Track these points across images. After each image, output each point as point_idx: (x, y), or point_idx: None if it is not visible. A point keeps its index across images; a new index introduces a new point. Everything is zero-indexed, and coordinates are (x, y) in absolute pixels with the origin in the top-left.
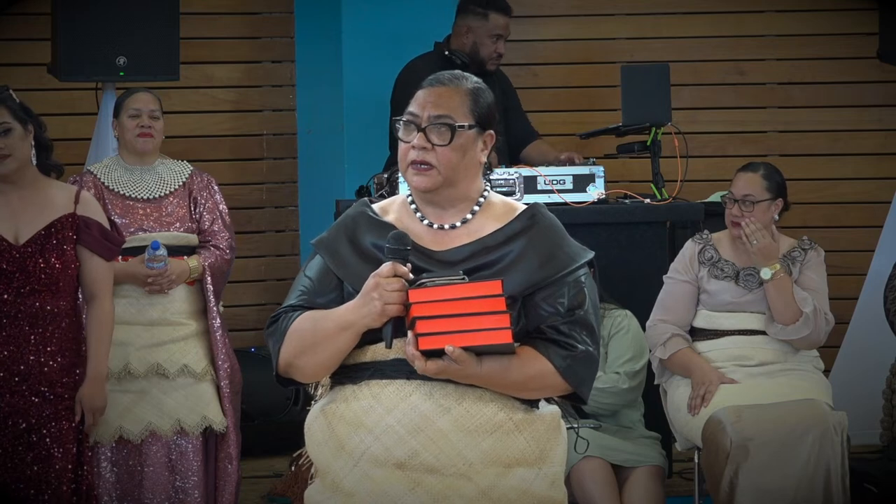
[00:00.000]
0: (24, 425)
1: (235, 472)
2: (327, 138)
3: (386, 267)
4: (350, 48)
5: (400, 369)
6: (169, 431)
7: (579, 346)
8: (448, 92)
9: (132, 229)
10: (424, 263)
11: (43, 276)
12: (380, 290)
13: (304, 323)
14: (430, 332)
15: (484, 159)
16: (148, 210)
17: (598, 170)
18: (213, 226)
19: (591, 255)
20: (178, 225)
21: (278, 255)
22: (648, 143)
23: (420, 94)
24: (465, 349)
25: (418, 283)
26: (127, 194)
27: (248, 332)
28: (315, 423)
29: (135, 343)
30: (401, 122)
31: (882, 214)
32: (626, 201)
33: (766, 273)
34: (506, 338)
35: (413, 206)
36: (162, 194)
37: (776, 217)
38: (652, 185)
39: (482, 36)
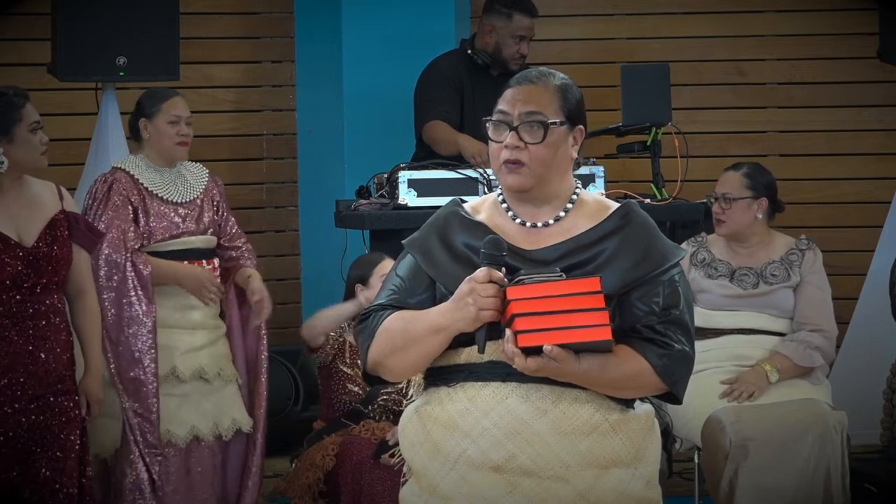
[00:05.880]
0: (40, 427)
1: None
2: (327, 138)
3: (481, 272)
4: (350, 48)
5: (495, 371)
6: (208, 434)
7: (675, 345)
8: (537, 90)
9: (174, 231)
10: (517, 262)
11: (52, 273)
12: (474, 295)
13: (395, 323)
14: (529, 329)
15: (574, 155)
16: (183, 213)
17: (598, 170)
18: (234, 229)
19: (684, 253)
20: (208, 228)
21: (278, 255)
22: (648, 143)
23: (508, 93)
24: (564, 346)
25: (516, 280)
26: (164, 196)
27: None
28: (409, 424)
29: (179, 347)
30: (491, 122)
31: (882, 214)
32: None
33: (773, 377)
34: (605, 334)
35: (504, 206)
36: (192, 197)
37: (759, 216)
38: (652, 185)
39: (505, 36)
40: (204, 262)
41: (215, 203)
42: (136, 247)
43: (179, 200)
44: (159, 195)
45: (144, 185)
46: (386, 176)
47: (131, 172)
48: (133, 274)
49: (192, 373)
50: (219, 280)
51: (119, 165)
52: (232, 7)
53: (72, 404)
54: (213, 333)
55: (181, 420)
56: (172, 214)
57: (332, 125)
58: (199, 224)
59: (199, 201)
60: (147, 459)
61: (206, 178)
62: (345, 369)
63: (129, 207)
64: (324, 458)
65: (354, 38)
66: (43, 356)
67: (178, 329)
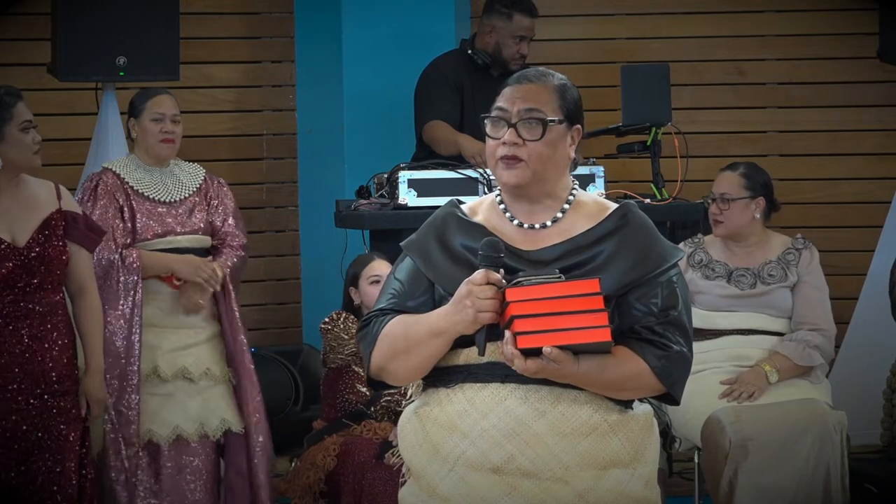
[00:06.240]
0: (39, 428)
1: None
2: (327, 138)
3: (479, 274)
4: (350, 48)
5: (494, 373)
6: (194, 435)
7: (674, 346)
8: (536, 88)
9: (159, 231)
10: (516, 263)
11: (46, 273)
12: (472, 297)
13: (396, 328)
14: (528, 331)
15: (572, 154)
16: (173, 212)
17: (598, 170)
18: (225, 225)
19: (682, 254)
20: (199, 228)
21: (278, 255)
22: (648, 143)
23: (507, 91)
24: (564, 347)
25: (515, 282)
26: (151, 196)
27: (249, 332)
28: (408, 425)
29: (163, 346)
30: (489, 119)
31: (882, 214)
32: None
33: (773, 377)
34: (604, 336)
35: (502, 207)
36: (182, 197)
37: (756, 216)
38: (652, 185)
39: (505, 36)
40: None
41: (210, 203)
42: (124, 243)
43: (168, 199)
44: (146, 194)
45: (130, 185)
46: (386, 176)
47: (118, 172)
48: (122, 269)
49: (175, 372)
50: None
51: (107, 166)
52: (232, 7)
53: (70, 405)
54: (201, 333)
55: (163, 420)
56: (158, 213)
57: (332, 125)
58: (187, 223)
59: (190, 201)
60: (125, 458)
61: (201, 178)
62: (357, 370)
63: (116, 206)
64: (325, 458)
65: (354, 38)
66: (40, 356)
67: (162, 328)
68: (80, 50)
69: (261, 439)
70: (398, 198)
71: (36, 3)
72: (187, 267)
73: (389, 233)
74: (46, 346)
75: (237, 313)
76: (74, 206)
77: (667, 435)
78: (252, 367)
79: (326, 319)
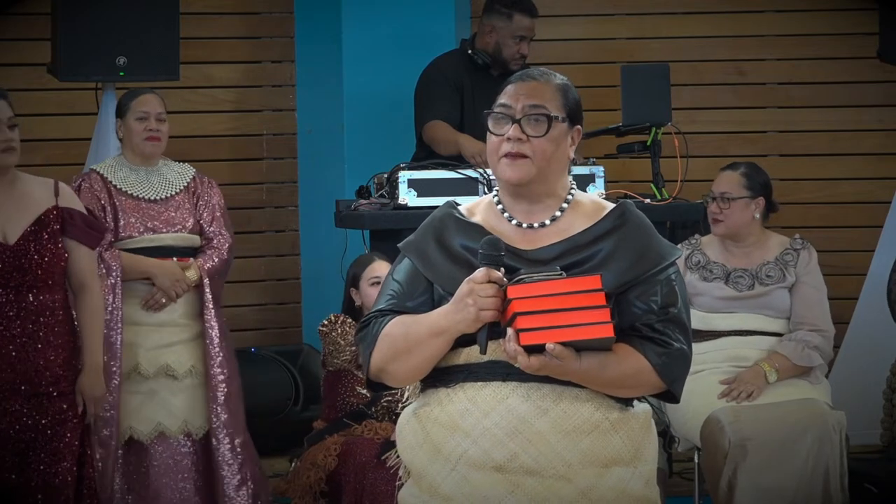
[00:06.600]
0: (32, 429)
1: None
2: (327, 138)
3: (480, 273)
4: (350, 48)
5: (494, 371)
6: (177, 432)
7: (674, 343)
8: (540, 86)
9: (141, 229)
10: (515, 263)
11: (39, 271)
12: (474, 295)
13: (396, 328)
14: (531, 328)
15: (572, 154)
16: (157, 210)
17: (598, 170)
18: (211, 227)
19: (680, 252)
20: (185, 226)
21: (278, 255)
22: (648, 143)
23: (510, 88)
24: (566, 344)
25: (516, 279)
26: (135, 194)
27: (248, 332)
28: (407, 425)
29: (144, 344)
30: (491, 115)
31: (882, 214)
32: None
33: (772, 377)
34: (607, 332)
35: (500, 207)
36: (168, 195)
37: (756, 216)
38: (652, 185)
39: (505, 36)
40: (174, 259)
41: (197, 201)
42: (106, 243)
43: (153, 197)
44: (130, 192)
45: (115, 184)
46: (386, 176)
47: (102, 173)
48: (102, 270)
49: (157, 369)
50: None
51: (93, 167)
52: (232, 7)
53: (67, 405)
54: (185, 331)
55: (145, 417)
56: (142, 210)
57: (332, 125)
58: (172, 222)
59: (177, 199)
60: (99, 458)
61: (189, 177)
62: (356, 373)
63: (97, 205)
64: (326, 457)
65: (354, 38)
66: (33, 357)
67: (144, 326)
68: (80, 50)
69: (222, 448)
70: (398, 198)
71: (36, 3)
72: (166, 277)
73: (389, 233)
74: (40, 346)
75: (215, 316)
76: (74, 202)
77: (666, 435)
78: (222, 370)
79: (325, 322)
